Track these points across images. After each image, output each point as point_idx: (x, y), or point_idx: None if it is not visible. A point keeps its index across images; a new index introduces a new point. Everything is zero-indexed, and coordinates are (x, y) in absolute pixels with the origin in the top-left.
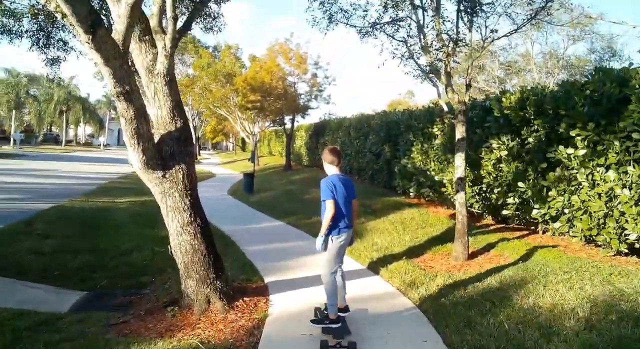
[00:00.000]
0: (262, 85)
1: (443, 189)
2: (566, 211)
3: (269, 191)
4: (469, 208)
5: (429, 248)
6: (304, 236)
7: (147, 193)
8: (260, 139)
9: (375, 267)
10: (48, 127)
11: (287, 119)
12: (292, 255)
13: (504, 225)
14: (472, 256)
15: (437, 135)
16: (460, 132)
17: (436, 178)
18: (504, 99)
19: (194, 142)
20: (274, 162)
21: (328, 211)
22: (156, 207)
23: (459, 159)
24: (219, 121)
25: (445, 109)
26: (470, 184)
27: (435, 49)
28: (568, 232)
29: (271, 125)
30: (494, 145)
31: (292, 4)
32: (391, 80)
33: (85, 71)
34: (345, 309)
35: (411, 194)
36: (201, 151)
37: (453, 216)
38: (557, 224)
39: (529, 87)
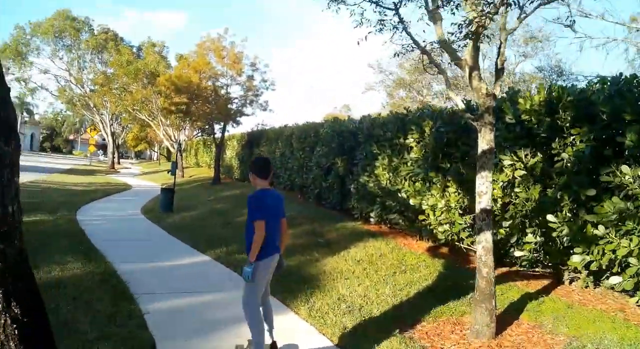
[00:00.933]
0: (189, 85)
1: (421, 217)
2: (632, 260)
3: (193, 210)
4: (455, 242)
5: (426, 311)
6: (240, 282)
7: (34, 210)
8: (187, 148)
9: (352, 344)
10: None
11: (217, 128)
12: (222, 323)
13: (508, 268)
14: (498, 326)
15: (412, 147)
16: (486, 140)
17: (411, 202)
18: (521, 101)
19: (112, 149)
20: (201, 174)
21: (258, 233)
22: (38, 234)
23: (484, 182)
24: (141, 127)
25: (460, 105)
26: (461, 212)
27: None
28: (634, 291)
29: (199, 134)
30: (506, 162)
31: (229, 16)
32: (325, 93)
33: None
34: (273, 345)
35: (372, 219)
36: (121, 160)
37: (433, 252)
38: (615, 279)
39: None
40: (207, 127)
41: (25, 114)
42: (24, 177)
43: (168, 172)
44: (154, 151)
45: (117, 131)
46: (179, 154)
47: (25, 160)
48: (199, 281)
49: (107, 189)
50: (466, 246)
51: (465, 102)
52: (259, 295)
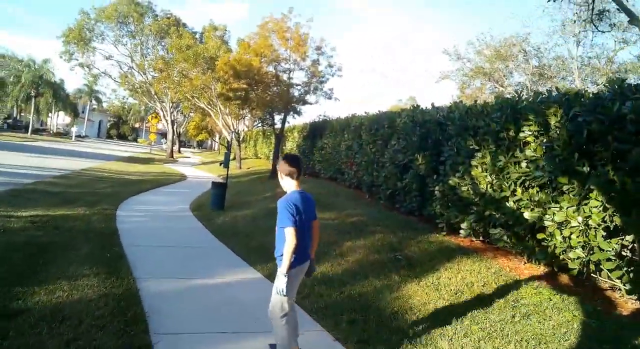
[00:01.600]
0: (249, 70)
1: (541, 236)
2: None
3: (246, 208)
4: (590, 274)
5: None
6: (304, 319)
7: (73, 202)
8: (246, 138)
9: None
10: (18, 114)
11: (277, 118)
12: None
13: None
14: None
15: (529, 142)
16: None
17: (525, 215)
18: None
19: (172, 138)
20: (259, 166)
21: (289, 242)
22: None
23: None
24: (202, 116)
25: None
26: (604, 233)
27: None
28: None
29: (259, 124)
30: None
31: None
32: (389, 83)
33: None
34: None
35: (462, 231)
36: (181, 149)
37: (552, 282)
38: None
39: None
40: (267, 117)
41: (93, 101)
42: (77, 164)
43: (220, 164)
44: (215, 140)
45: (178, 119)
46: (236, 144)
47: (87, 147)
48: (245, 313)
49: (160, 179)
50: (605, 279)
51: None
52: (289, 304)
